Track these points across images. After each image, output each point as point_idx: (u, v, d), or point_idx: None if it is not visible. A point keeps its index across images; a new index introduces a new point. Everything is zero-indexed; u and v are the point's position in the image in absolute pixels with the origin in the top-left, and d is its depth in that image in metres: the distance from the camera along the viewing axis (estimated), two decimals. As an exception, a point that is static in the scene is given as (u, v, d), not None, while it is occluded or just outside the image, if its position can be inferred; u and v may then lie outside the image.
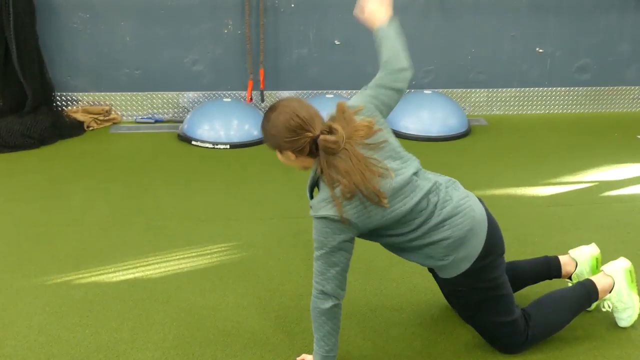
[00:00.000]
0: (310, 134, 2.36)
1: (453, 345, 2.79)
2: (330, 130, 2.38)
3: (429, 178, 2.56)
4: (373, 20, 2.74)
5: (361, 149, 2.39)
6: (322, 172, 2.39)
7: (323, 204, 2.38)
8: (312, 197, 2.50)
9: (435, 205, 2.50)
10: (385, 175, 2.40)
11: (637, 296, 2.89)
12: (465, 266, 2.53)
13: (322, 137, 2.35)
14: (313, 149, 2.39)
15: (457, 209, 2.52)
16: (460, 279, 2.57)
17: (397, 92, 2.62)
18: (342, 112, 2.45)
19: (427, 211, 2.49)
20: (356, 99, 2.59)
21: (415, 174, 2.51)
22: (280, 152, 2.46)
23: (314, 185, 2.49)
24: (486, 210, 2.62)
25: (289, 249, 3.52)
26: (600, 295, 2.84)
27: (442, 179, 2.62)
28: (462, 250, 2.51)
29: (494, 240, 2.59)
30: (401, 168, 2.48)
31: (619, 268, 2.88)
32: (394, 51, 2.66)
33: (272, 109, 2.43)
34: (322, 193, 2.40)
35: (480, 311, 2.65)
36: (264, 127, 2.46)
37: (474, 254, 2.52)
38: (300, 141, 2.37)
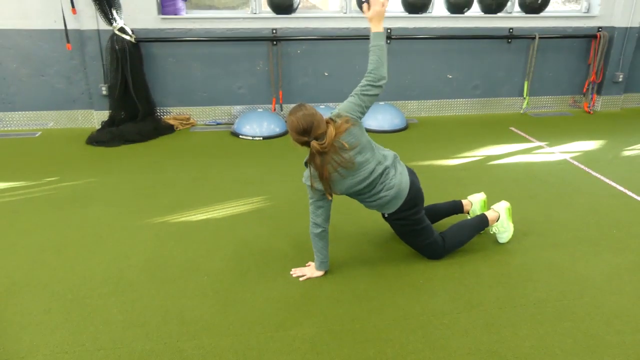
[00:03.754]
0: (306, 139, 2.30)
1: (397, 255, 2.79)
2: (321, 137, 2.29)
3: (382, 162, 2.48)
4: (375, 20, 2.36)
5: (338, 150, 2.32)
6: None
7: (306, 177, 2.38)
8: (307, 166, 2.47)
9: (384, 182, 2.48)
10: (345, 174, 2.36)
11: (512, 224, 2.90)
12: (395, 208, 2.52)
13: (312, 143, 2.29)
14: (307, 145, 2.34)
15: (392, 182, 2.48)
16: (398, 219, 2.57)
17: (375, 97, 2.39)
18: (337, 116, 2.37)
19: (379, 185, 2.47)
20: (346, 105, 2.39)
21: (377, 163, 2.45)
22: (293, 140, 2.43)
23: (307, 162, 2.45)
24: (413, 179, 2.57)
25: (300, 200, 3.50)
26: (490, 223, 2.85)
27: (390, 156, 2.54)
28: (393, 201, 2.51)
29: (417, 198, 2.57)
30: (366, 161, 2.41)
31: (502, 207, 2.89)
32: (379, 63, 2.35)
33: (292, 112, 2.30)
34: (307, 171, 2.39)
35: (411, 236, 2.65)
36: (287, 124, 2.37)
37: (400, 202, 2.51)
38: (300, 140, 2.31)
